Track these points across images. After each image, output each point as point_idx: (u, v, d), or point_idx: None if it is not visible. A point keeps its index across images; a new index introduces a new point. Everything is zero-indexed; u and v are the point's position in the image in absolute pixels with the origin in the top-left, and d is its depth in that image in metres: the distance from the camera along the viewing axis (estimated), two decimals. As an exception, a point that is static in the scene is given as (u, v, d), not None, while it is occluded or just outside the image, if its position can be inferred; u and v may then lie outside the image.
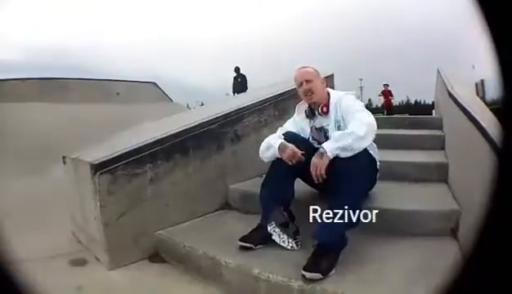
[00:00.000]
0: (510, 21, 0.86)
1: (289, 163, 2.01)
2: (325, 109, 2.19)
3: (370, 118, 2.00)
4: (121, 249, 2.23)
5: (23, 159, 4.81)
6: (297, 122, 2.33)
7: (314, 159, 1.89)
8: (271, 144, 2.09)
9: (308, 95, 2.19)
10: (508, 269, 0.86)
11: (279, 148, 2.04)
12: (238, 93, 11.27)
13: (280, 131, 2.26)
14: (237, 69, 13.19)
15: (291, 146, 2.02)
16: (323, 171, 1.86)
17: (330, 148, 1.87)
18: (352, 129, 1.90)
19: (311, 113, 2.26)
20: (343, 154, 1.86)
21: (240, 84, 12.69)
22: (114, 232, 2.21)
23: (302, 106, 2.33)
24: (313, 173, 1.88)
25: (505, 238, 0.88)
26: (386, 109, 16.76)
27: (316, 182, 1.91)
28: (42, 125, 6.13)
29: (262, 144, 2.19)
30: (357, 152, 1.86)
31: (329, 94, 2.24)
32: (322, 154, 1.87)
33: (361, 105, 2.13)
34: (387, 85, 17.11)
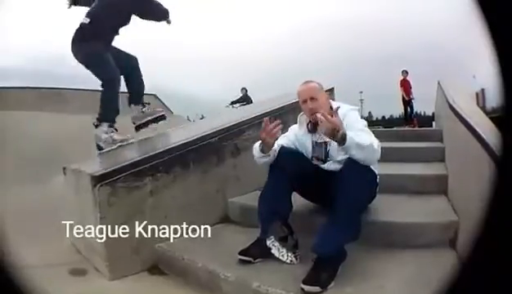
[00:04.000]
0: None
1: (267, 139, 2.02)
2: None
3: (372, 139, 1.94)
4: (120, 260, 2.23)
5: (24, 168, 4.81)
6: (298, 137, 2.30)
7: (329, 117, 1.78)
8: (254, 154, 2.19)
9: (313, 114, 2.11)
10: (505, 279, 0.87)
11: (256, 148, 2.15)
12: None
13: (281, 139, 2.24)
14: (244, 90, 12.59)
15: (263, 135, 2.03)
16: (322, 118, 1.77)
17: (349, 135, 1.81)
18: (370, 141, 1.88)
19: (313, 128, 2.22)
20: (354, 151, 1.83)
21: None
22: (113, 243, 2.21)
23: (303, 118, 2.29)
24: (317, 115, 1.83)
25: (503, 248, 0.89)
26: (405, 115, 12.35)
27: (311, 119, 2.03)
28: (43, 134, 6.13)
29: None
30: (365, 162, 1.88)
31: (331, 108, 2.15)
32: (341, 122, 1.82)
33: (364, 124, 2.10)
34: (406, 72, 11.97)
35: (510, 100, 0.92)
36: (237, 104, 12.04)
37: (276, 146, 2.15)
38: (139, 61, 3.43)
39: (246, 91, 12.61)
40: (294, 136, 2.31)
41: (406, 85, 11.93)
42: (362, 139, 1.85)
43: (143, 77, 3.45)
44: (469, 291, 0.96)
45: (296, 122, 2.38)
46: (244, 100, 12.30)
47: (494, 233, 0.93)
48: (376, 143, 1.92)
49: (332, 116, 1.78)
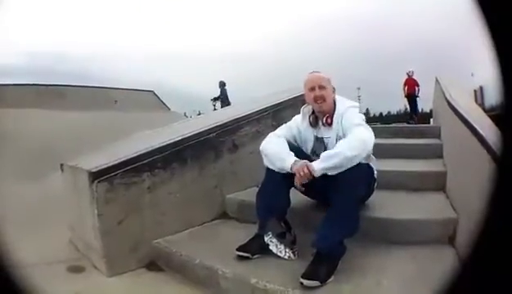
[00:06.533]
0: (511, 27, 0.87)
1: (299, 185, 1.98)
2: (329, 120, 2.12)
3: (366, 135, 1.95)
4: (118, 257, 2.23)
5: (22, 165, 4.81)
6: (301, 130, 2.24)
7: (300, 168, 1.88)
8: (284, 158, 1.98)
9: (319, 102, 2.10)
10: (505, 277, 0.87)
11: (291, 167, 1.94)
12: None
13: (283, 130, 2.23)
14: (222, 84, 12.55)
15: (304, 162, 1.92)
16: (302, 182, 1.90)
17: (317, 167, 1.85)
18: (341, 149, 1.85)
19: (315, 122, 2.20)
20: (332, 173, 1.84)
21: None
22: (111, 240, 2.21)
23: (307, 109, 2.24)
24: (296, 179, 1.92)
25: (502, 246, 0.88)
26: (411, 113, 12.28)
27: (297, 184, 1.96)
28: (42, 132, 6.12)
29: (269, 145, 2.11)
30: (347, 167, 1.83)
31: (335, 103, 2.15)
32: (310, 169, 1.87)
33: (361, 119, 2.07)
34: (411, 72, 11.97)
35: (509, 98, 0.91)
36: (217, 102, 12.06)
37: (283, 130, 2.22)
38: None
39: (224, 85, 12.36)
40: (297, 129, 2.25)
41: (410, 84, 11.89)
42: (333, 153, 1.86)
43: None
44: (468, 288, 0.95)
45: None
46: (222, 94, 12.19)
47: (493, 230, 0.93)
48: (361, 136, 1.93)
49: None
